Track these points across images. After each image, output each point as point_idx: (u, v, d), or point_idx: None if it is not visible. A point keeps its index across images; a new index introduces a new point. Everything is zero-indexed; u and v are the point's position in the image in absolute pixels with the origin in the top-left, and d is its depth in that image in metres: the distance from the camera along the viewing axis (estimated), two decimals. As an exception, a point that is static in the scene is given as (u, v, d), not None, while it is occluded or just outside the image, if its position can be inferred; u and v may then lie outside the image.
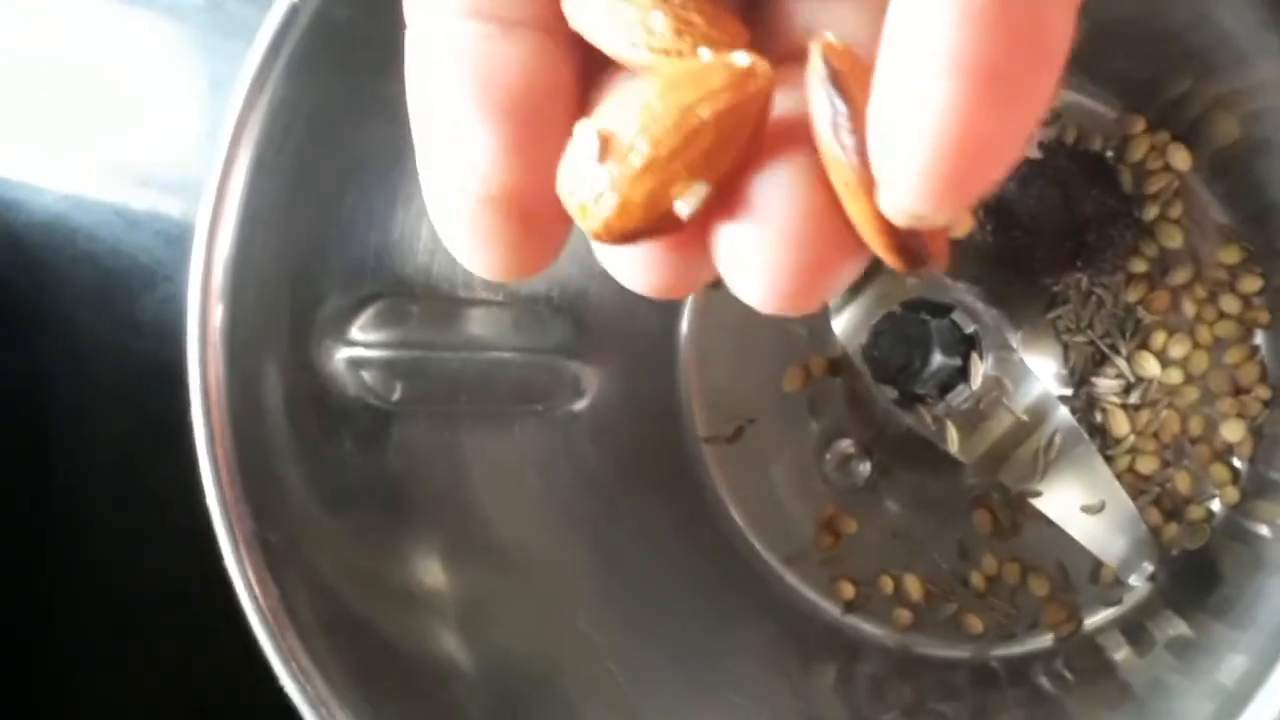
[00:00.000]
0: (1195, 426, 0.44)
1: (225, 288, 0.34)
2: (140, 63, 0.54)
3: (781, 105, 0.16)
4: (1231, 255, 0.43)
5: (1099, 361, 0.44)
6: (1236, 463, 0.43)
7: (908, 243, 0.16)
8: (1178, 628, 0.41)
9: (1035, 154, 0.43)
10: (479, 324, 0.42)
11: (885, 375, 0.42)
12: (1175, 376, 0.43)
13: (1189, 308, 0.44)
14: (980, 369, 0.42)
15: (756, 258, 0.16)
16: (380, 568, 0.38)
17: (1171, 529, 0.43)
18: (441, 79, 0.17)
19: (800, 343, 0.47)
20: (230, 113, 0.33)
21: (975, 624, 0.45)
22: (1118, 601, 0.44)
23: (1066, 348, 0.44)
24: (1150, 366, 0.43)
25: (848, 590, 0.46)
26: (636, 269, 0.17)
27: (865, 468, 0.47)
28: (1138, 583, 0.42)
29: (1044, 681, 0.44)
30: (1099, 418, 0.44)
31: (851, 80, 0.15)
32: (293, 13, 0.32)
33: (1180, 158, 0.43)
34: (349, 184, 0.37)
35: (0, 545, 0.52)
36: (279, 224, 0.35)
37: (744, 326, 0.48)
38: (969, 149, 0.14)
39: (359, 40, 0.34)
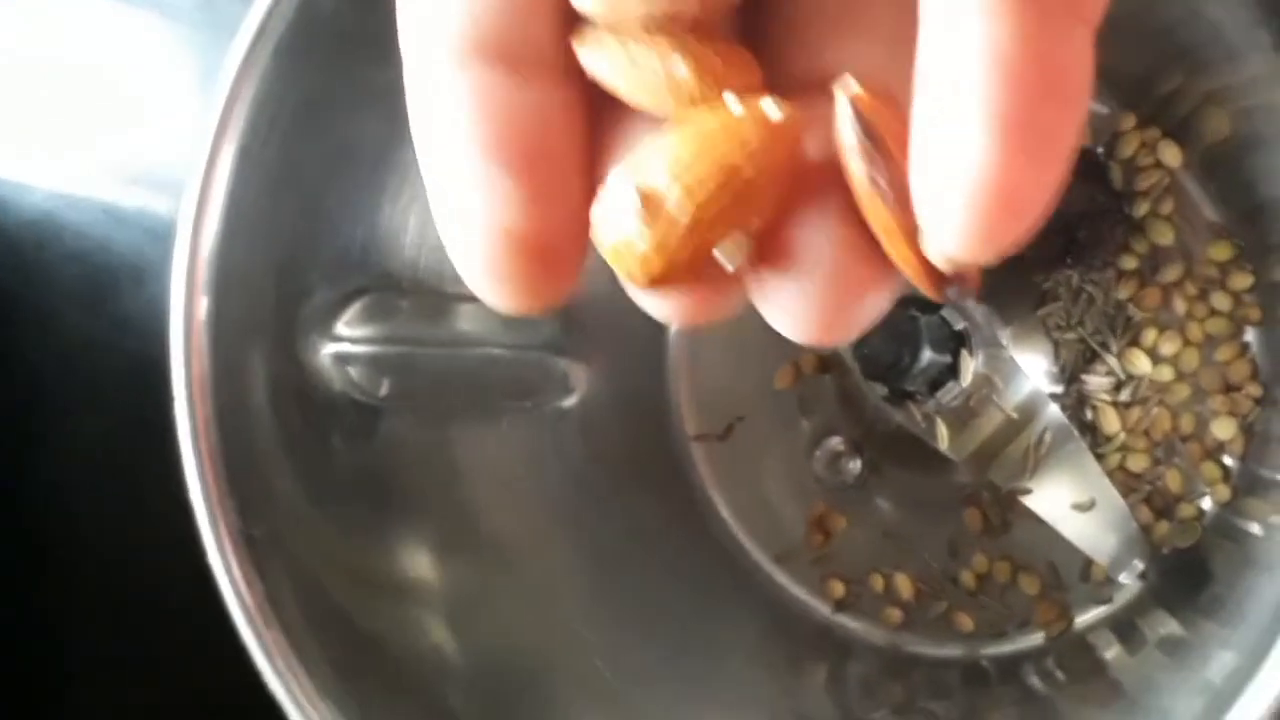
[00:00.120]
0: (1186, 424, 0.43)
1: (209, 281, 0.33)
2: (131, 61, 0.54)
3: (806, 144, 0.16)
4: (1222, 252, 0.43)
5: (1089, 359, 0.44)
6: (1227, 460, 0.43)
7: (948, 277, 0.17)
8: (1168, 625, 0.41)
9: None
10: (467, 320, 0.42)
11: (875, 372, 0.42)
12: (1166, 374, 0.43)
13: (1180, 305, 0.43)
14: (970, 366, 0.42)
15: (799, 302, 0.17)
16: (367, 564, 0.38)
17: (1162, 527, 0.43)
18: (450, 128, 0.17)
19: (789, 340, 0.47)
20: (214, 105, 0.33)
21: (966, 622, 0.45)
22: (1108, 600, 0.44)
23: (1057, 345, 0.44)
24: (1141, 364, 0.43)
25: (838, 589, 0.46)
26: (668, 307, 0.17)
27: (856, 465, 0.47)
28: (1128, 581, 0.42)
29: (1035, 680, 0.43)
30: (1089, 415, 0.44)
31: (883, 130, 0.16)
32: (277, 4, 0.32)
33: (1171, 154, 0.43)
34: (335, 178, 0.36)
35: (-14, 543, 0.52)
36: (264, 217, 0.34)
37: (734, 324, 0.47)
38: (1008, 201, 0.15)
39: (345, 32, 0.34)
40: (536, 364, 0.45)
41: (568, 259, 0.17)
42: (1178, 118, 0.43)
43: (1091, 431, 0.44)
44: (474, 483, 0.42)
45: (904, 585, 0.46)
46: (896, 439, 0.45)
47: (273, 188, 0.34)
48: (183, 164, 0.53)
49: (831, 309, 0.17)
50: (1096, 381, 0.44)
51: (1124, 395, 0.43)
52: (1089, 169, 0.43)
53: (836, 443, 0.47)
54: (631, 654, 0.42)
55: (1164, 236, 0.43)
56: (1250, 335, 0.43)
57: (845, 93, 0.16)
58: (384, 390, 0.39)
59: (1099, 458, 0.43)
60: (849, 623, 0.46)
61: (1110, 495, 0.41)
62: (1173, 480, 0.43)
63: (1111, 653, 0.42)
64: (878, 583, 0.46)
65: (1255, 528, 0.40)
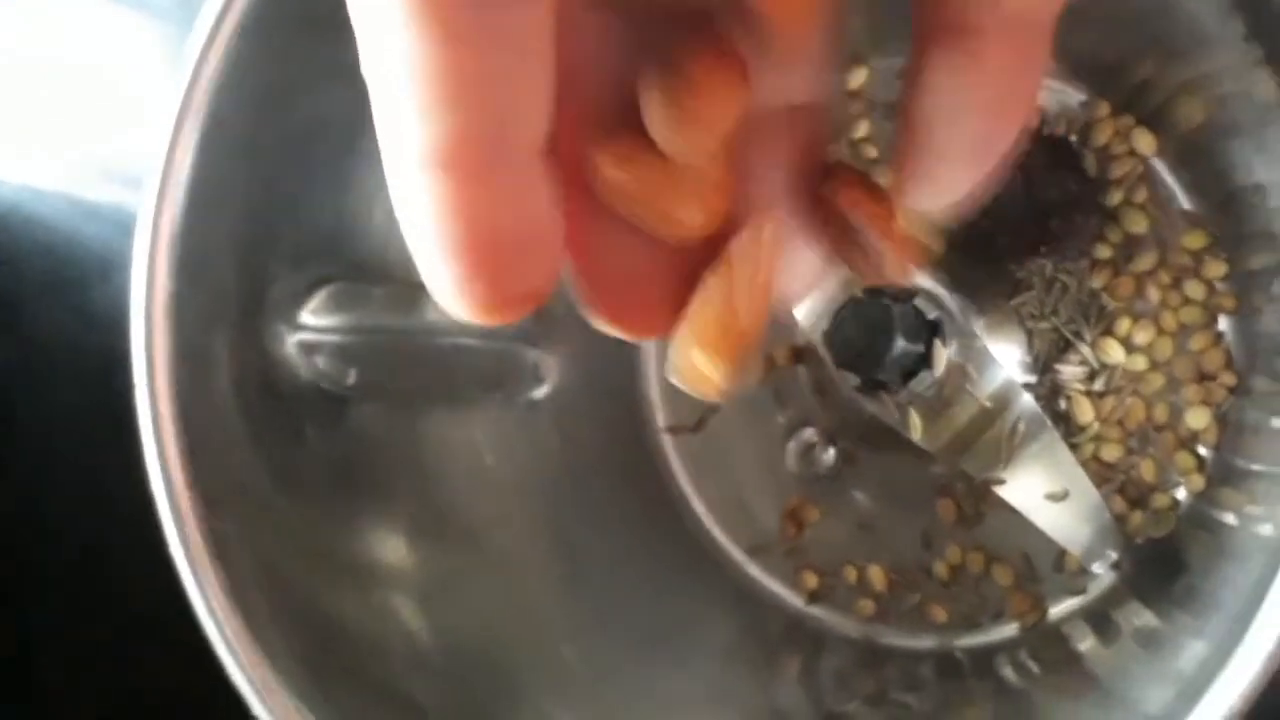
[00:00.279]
0: (1160, 414, 0.43)
1: (171, 267, 0.33)
2: (101, 55, 0.54)
3: None
4: (1196, 240, 0.43)
5: (1063, 348, 0.44)
6: (1201, 450, 0.43)
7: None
8: (1142, 616, 0.40)
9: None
10: (436, 309, 0.41)
11: (848, 362, 0.41)
12: (1140, 363, 0.43)
13: (1154, 294, 0.43)
14: (944, 355, 0.41)
15: None
16: (333, 555, 0.37)
17: (1136, 517, 0.43)
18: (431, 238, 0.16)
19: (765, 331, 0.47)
20: (176, 90, 0.33)
21: (939, 614, 0.45)
22: (1082, 590, 0.44)
23: (1030, 334, 0.44)
24: (1115, 353, 0.43)
25: (812, 580, 0.46)
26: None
27: (829, 456, 0.47)
28: (1102, 571, 0.42)
29: (1009, 671, 0.43)
30: (1063, 405, 0.43)
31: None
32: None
33: (1145, 142, 0.43)
34: (300, 165, 0.36)
35: (-48, 538, 0.51)
36: (227, 204, 0.34)
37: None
38: (970, 191, 0.19)
39: (309, 16, 0.33)
40: (507, 354, 0.44)
41: (537, 260, 0.17)
42: (1152, 106, 0.43)
43: (1065, 421, 0.43)
44: (444, 474, 0.42)
45: (877, 577, 0.45)
46: (870, 430, 0.44)
47: (236, 174, 0.34)
48: (152, 157, 0.53)
49: None
50: (1070, 371, 0.43)
51: (1098, 385, 0.43)
52: (1064, 157, 0.43)
53: (810, 434, 0.47)
54: (602, 646, 0.42)
55: (1138, 225, 0.43)
56: (1224, 324, 0.43)
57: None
58: (351, 379, 0.38)
59: (1073, 447, 0.42)
60: (822, 615, 0.46)
61: (1084, 485, 0.41)
62: (1146, 470, 0.43)
63: (1085, 643, 0.42)
64: (851, 574, 0.46)
65: (1229, 518, 0.40)
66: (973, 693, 0.44)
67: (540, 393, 0.45)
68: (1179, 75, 0.41)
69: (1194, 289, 0.43)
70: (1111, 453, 0.43)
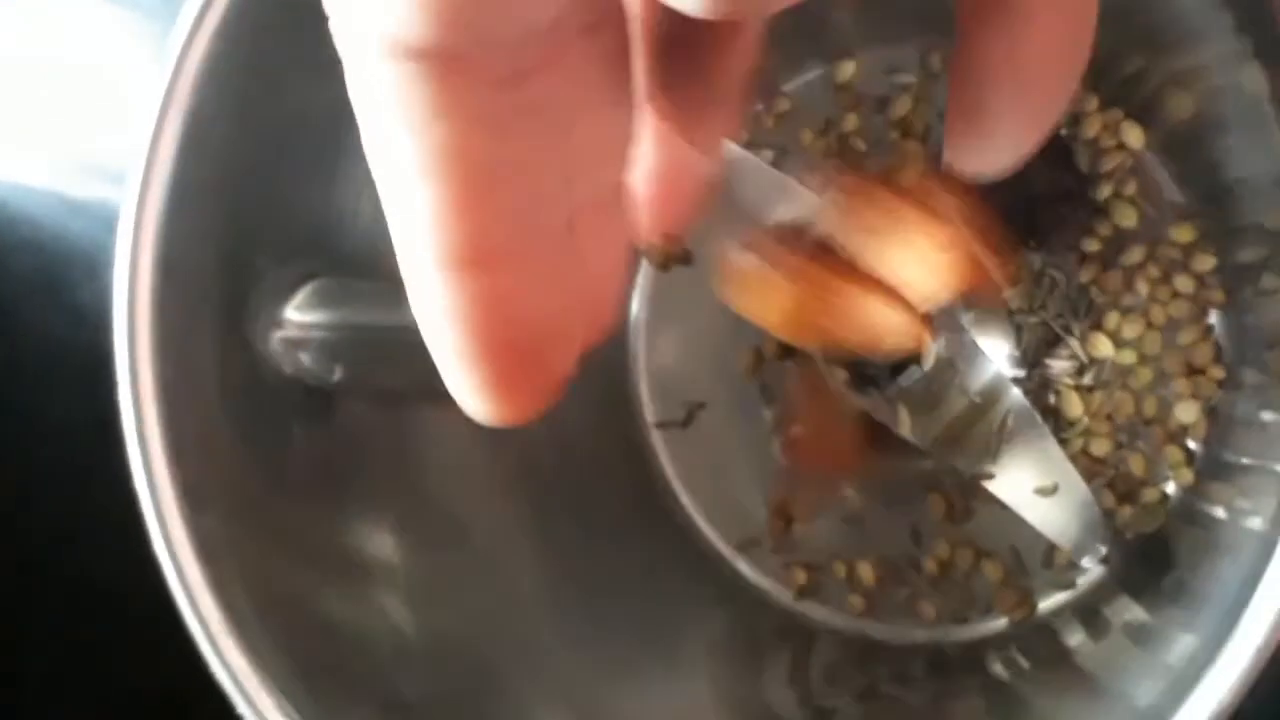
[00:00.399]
0: (1149, 408, 0.43)
1: (154, 263, 0.33)
2: (88, 51, 0.54)
3: None
4: (1185, 234, 0.43)
5: (1052, 342, 0.44)
6: (1191, 444, 0.43)
7: None
8: (1132, 610, 0.40)
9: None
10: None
11: (836, 356, 0.41)
12: (1129, 357, 0.43)
13: (1142, 287, 0.43)
14: (932, 350, 0.41)
15: None
16: (318, 551, 0.37)
17: (1126, 512, 0.43)
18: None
19: (751, 325, 0.47)
20: (158, 85, 0.32)
21: (929, 609, 0.45)
22: (1071, 585, 0.43)
23: (1019, 329, 0.44)
24: (1104, 347, 0.43)
25: (800, 576, 0.46)
26: None
27: (818, 452, 0.47)
28: (1091, 565, 0.42)
29: (998, 666, 0.43)
30: (1052, 399, 0.43)
31: None
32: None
33: (1134, 135, 0.43)
34: (284, 160, 0.36)
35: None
36: (210, 199, 0.34)
37: (695, 310, 0.48)
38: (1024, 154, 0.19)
39: (291, 10, 0.33)
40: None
41: (566, 349, 0.16)
42: (1140, 99, 0.43)
43: (1054, 416, 0.43)
44: (431, 470, 0.41)
45: (866, 572, 0.45)
46: (859, 425, 0.44)
47: (219, 170, 0.34)
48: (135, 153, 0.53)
49: None
50: (1059, 365, 0.43)
51: (1087, 379, 0.43)
52: (1054, 150, 0.43)
53: (799, 430, 0.47)
54: (590, 642, 0.42)
55: (1127, 219, 0.43)
56: (1214, 318, 0.43)
57: None
58: (337, 376, 0.38)
59: (1062, 442, 0.42)
60: (811, 610, 0.46)
61: (1073, 480, 0.41)
62: (1136, 464, 0.43)
63: (1075, 638, 0.42)
64: (840, 570, 0.46)
65: (1219, 511, 0.40)
66: (962, 688, 0.44)
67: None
68: (1168, 68, 0.41)
69: (1183, 283, 0.43)
70: (1101, 447, 0.43)
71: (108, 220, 0.53)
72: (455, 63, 0.13)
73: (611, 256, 0.18)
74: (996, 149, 0.19)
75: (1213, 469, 0.42)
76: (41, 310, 0.54)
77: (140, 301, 0.33)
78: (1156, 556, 0.41)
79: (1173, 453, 0.43)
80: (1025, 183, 0.42)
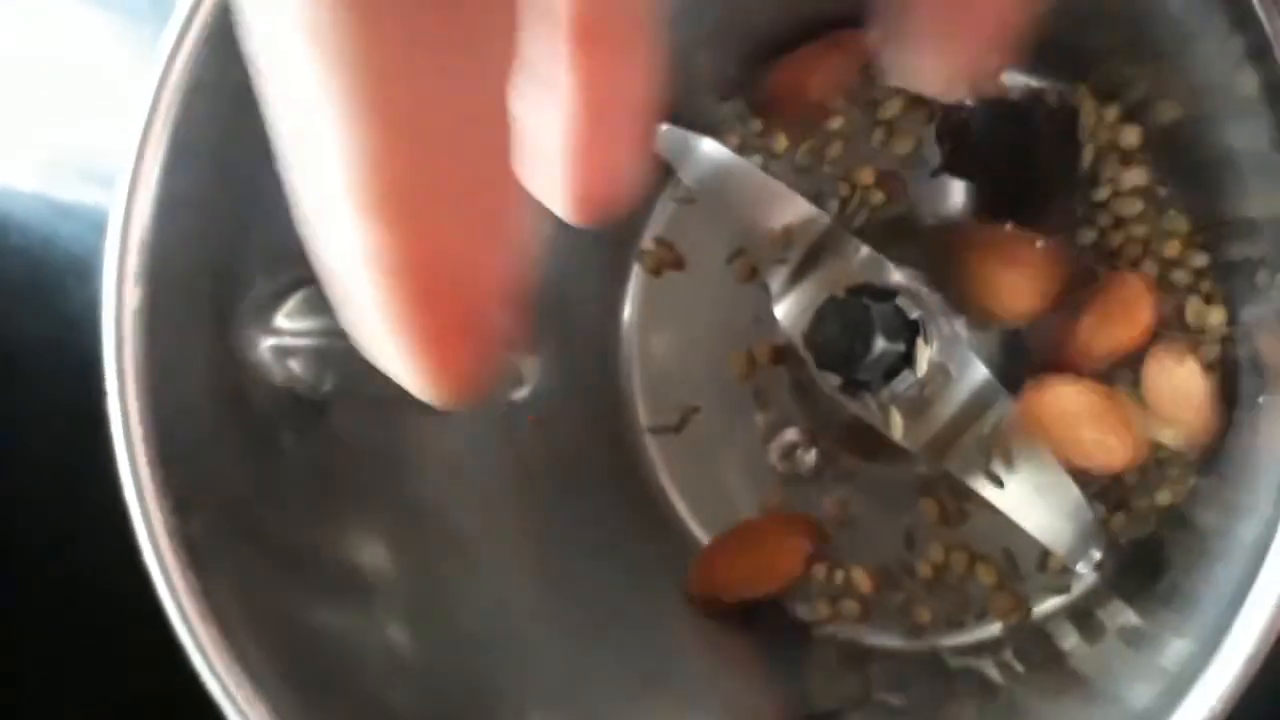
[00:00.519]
0: (1143, 411, 0.43)
1: (142, 271, 0.33)
2: (77, 54, 0.54)
3: None
4: (1180, 231, 0.42)
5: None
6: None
7: None
8: (1125, 615, 0.40)
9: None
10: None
11: (828, 362, 0.41)
12: (1122, 361, 0.43)
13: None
14: (925, 355, 0.41)
15: None
16: (310, 560, 0.37)
17: (1119, 519, 0.42)
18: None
19: (744, 330, 0.47)
20: (145, 92, 0.32)
21: (923, 614, 0.45)
22: (1066, 589, 0.43)
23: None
24: (1097, 350, 0.43)
25: (795, 582, 0.46)
26: None
27: (811, 457, 0.46)
28: (1085, 570, 0.42)
29: (993, 671, 0.43)
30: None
31: None
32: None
33: (1130, 134, 0.43)
34: (272, 165, 0.36)
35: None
36: (199, 206, 0.34)
37: (687, 314, 0.48)
38: None
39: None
40: (486, 356, 0.44)
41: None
42: (1135, 97, 0.42)
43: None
44: (423, 478, 0.41)
45: (861, 577, 0.45)
46: (853, 430, 0.44)
47: (207, 174, 0.34)
48: (122, 159, 0.52)
49: None
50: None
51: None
52: (1070, 129, 0.42)
53: (792, 435, 0.47)
54: (583, 649, 0.41)
55: (1123, 216, 0.43)
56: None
57: None
58: (328, 384, 0.38)
59: (1055, 446, 0.42)
60: (806, 616, 0.46)
61: (1066, 484, 0.41)
62: (1129, 471, 0.43)
63: (1069, 642, 0.42)
64: (835, 575, 0.46)
65: (1211, 518, 0.40)
66: (957, 692, 0.43)
67: (520, 394, 0.45)
68: (1161, 66, 0.41)
69: (1179, 277, 0.42)
70: (1094, 451, 0.43)
71: (99, 225, 0.53)
72: None
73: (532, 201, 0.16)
74: (932, 69, 0.18)
75: (1205, 474, 0.42)
76: (32, 314, 0.54)
77: (127, 310, 0.33)
78: (1150, 562, 0.41)
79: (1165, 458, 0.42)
80: (1036, 153, 0.42)
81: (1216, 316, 0.41)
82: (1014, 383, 0.41)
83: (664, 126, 0.44)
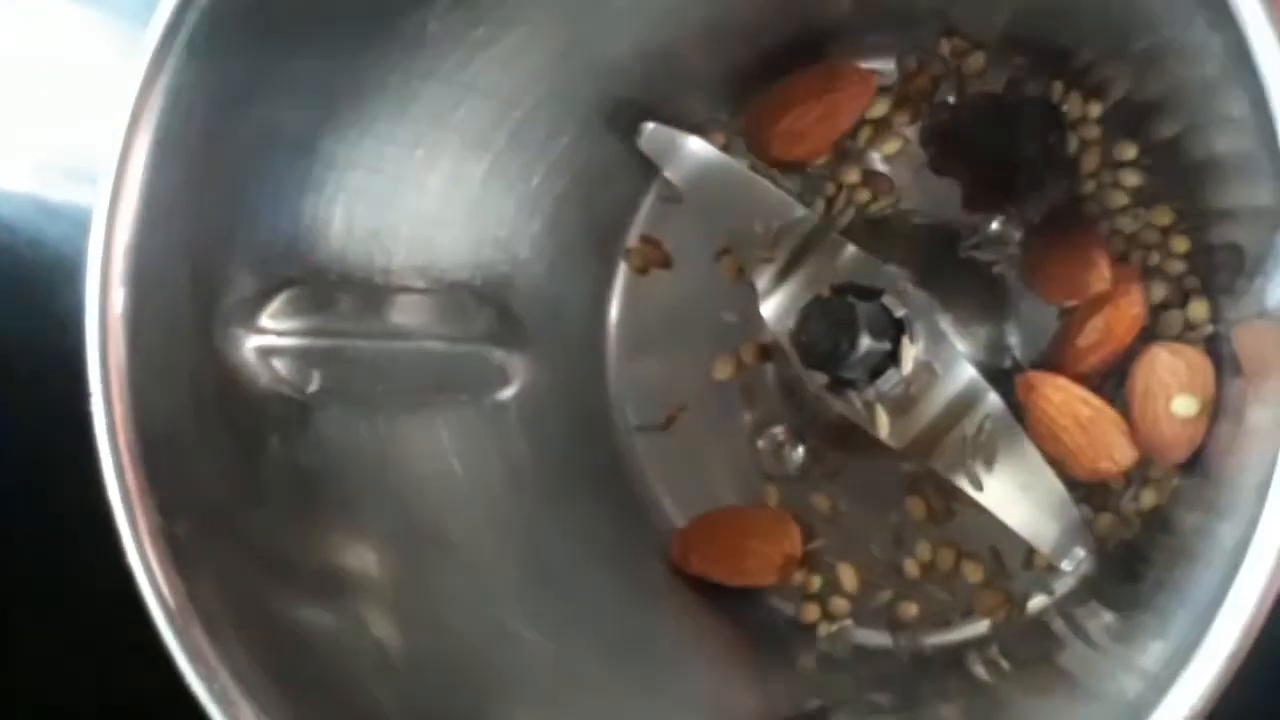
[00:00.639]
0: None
1: (126, 273, 0.33)
2: (63, 54, 0.54)
3: None
4: (1163, 218, 0.42)
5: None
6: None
7: None
8: (1108, 615, 0.40)
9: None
10: (399, 312, 0.41)
11: (814, 360, 0.41)
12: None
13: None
14: (911, 353, 0.41)
15: None
16: (296, 561, 0.37)
17: (1104, 520, 0.43)
18: None
19: (731, 329, 0.47)
20: (129, 93, 0.32)
21: (910, 611, 0.45)
22: (1051, 587, 0.43)
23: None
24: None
25: (782, 580, 0.46)
26: None
27: (798, 455, 0.47)
28: (1070, 568, 0.42)
29: (979, 668, 0.43)
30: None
31: None
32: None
33: (1111, 127, 0.43)
34: (256, 168, 0.36)
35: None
36: (182, 208, 0.34)
37: (673, 313, 0.48)
38: None
39: (264, 18, 0.33)
40: (473, 356, 0.44)
41: None
42: (1114, 90, 0.42)
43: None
44: (409, 478, 0.41)
45: (848, 575, 0.45)
46: (839, 428, 0.44)
47: (191, 177, 0.34)
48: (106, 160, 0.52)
49: None
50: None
51: (1065, 382, 0.43)
52: (1051, 120, 0.42)
53: (779, 433, 0.47)
54: (571, 649, 0.42)
55: (1107, 210, 0.43)
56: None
57: None
58: (313, 385, 0.38)
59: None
60: (793, 613, 0.46)
61: (1051, 482, 0.41)
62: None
63: (1055, 640, 0.42)
64: (823, 573, 0.46)
65: (1194, 519, 0.40)
66: (944, 689, 0.44)
67: (507, 394, 0.45)
68: (1137, 57, 0.41)
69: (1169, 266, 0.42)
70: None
71: (85, 224, 0.53)
72: None
73: None
74: None
75: (1188, 475, 0.42)
76: (19, 314, 0.54)
77: (112, 311, 0.33)
78: (1133, 562, 0.41)
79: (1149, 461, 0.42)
80: (1017, 142, 0.42)
81: (1201, 312, 0.41)
82: (1000, 380, 0.41)
83: (651, 125, 0.44)
